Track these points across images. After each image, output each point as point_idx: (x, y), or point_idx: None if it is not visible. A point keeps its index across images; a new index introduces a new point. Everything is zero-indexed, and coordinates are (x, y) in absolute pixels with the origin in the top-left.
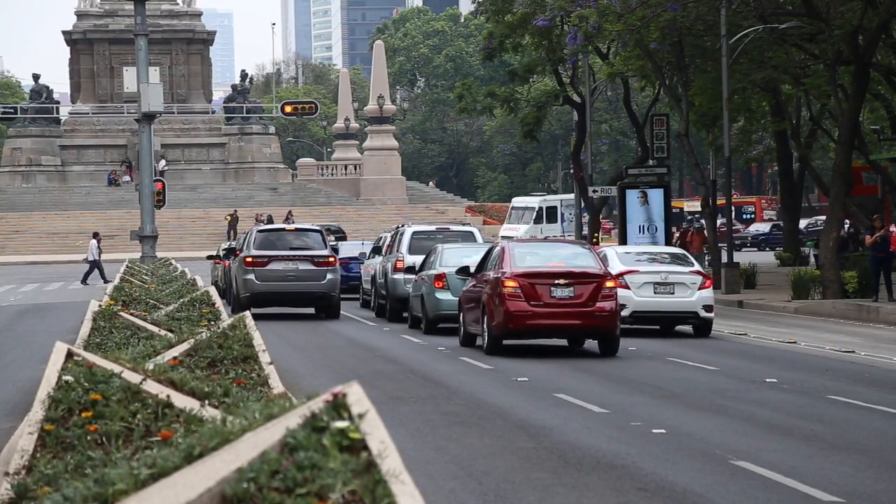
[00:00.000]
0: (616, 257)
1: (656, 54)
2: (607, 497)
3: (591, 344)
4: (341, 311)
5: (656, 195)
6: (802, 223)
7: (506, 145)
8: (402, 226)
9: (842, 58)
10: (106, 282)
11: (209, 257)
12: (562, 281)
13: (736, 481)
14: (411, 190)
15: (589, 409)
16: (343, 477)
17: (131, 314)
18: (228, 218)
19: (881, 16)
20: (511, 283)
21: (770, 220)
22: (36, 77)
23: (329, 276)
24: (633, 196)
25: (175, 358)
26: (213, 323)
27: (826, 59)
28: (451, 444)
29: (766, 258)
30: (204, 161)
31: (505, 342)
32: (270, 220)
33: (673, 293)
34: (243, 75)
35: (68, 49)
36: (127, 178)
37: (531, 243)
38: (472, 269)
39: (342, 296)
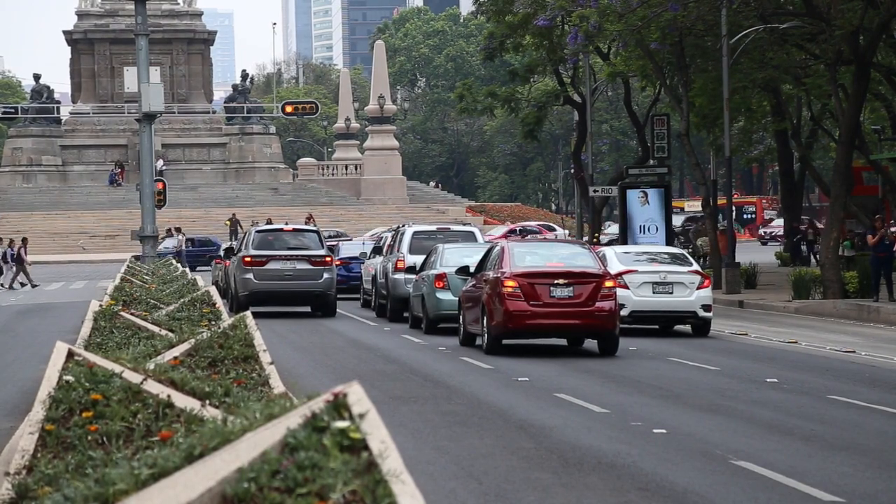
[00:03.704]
0: (615, 257)
1: (657, 54)
2: (607, 497)
3: (591, 343)
4: (342, 311)
5: (656, 195)
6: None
7: (506, 145)
8: (403, 226)
9: (842, 58)
10: None
11: (210, 257)
12: (561, 281)
13: (736, 481)
14: (412, 190)
15: (589, 408)
16: (343, 477)
17: (132, 314)
18: (228, 223)
19: (882, 16)
20: (511, 283)
21: None
22: (37, 77)
23: (326, 275)
24: (633, 196)
25: (176, 358)
26: (213, 323)
27: (827, 59)
28: (452, 444)
29: (767, 258)
30: (204, 161)
31: (505, 342)
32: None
33: (671, 293)
34: (244, 75)
35: (69, 49)
36: (120, 180)
37: (531, 243)
38: (472, 269)
39: (343, 295)
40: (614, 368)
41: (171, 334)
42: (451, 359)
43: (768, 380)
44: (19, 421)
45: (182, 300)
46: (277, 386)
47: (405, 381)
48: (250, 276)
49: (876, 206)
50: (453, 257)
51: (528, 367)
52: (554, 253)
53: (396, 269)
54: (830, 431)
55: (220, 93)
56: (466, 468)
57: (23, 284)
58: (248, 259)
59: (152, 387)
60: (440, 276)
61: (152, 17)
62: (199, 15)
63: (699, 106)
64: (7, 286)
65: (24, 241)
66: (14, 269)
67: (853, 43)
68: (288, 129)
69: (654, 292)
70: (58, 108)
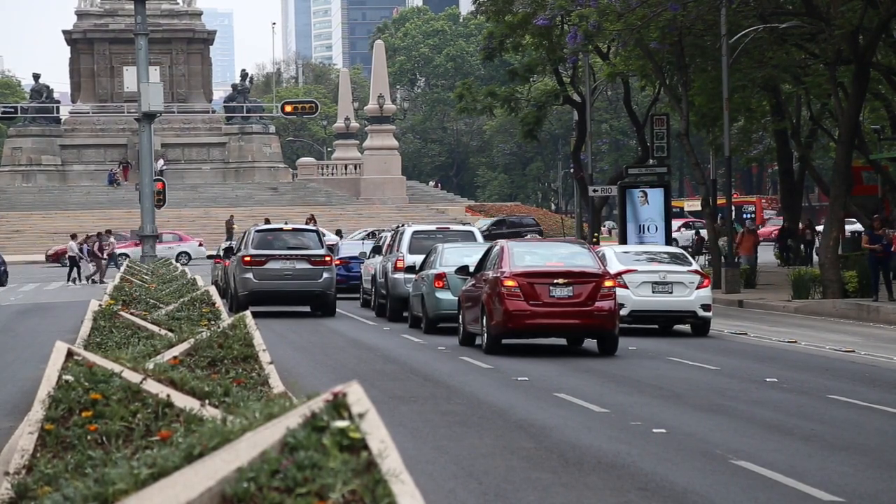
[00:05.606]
0: (614, 257)
1: (656, 54)
2: (607, 497)
3: (591, 343)
4: (341, 311)
5: (656, 195)
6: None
7: (506, 145)
8: (402, 225)
9: (842, 57)
10: None
11: (209, 256)
12: (561, 280)
13: (736, 481)
14: (411, 189)
15: (589, 408)
16: (343, 476)
17: (131, 314)
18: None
19: (881, 15)
20: (510, 283)
21: None
22: (36, 76)
23: (325, 274)
24: (633, 196)
25: (175, 357)
26: (213, 322)
27: (826, 58)
28: (451, 444)
29: (767, 258)
30: (204, 160)
31: (504, 341)
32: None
33: (671, 292)
34: (243, 75)
35: (68, 48)
36: (122, 180)
37: (530, 243)
38: (472, 269)
39: (343, 295)
40: (614, 368)
41: (170, 334)
42: (450, 358)
43: (768, 380)
44: (19, 421)
45: (181, 300)
46: (277, 385)
47: (405, 381)
48: (250, 275)
49: (876, 205)
50: (453, 257)
51: (528, 367)
52: (553, 252)
53: (396, 269)
54: (830, 431)
55: (220, 92)
56: (466, 468)
57: (94, 282)
58: (247, 259)
59: (152, 386)
60: (440, 276)
61: (152, 16)
62: (198, 15)
63: (699, 105)
64: (99, 280)
65: (100, 235)
66: (97, 263)
67: (853, 42)
68: (287, 129)
69: (653, 292)
70: (57, 108)
